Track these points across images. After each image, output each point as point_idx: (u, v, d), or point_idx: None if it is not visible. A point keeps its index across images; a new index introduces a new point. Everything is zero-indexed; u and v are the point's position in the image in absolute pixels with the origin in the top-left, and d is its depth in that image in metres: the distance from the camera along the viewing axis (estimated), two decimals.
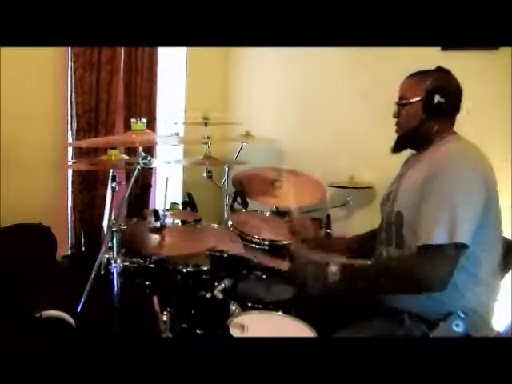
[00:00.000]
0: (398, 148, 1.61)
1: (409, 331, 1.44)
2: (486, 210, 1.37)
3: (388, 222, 1.57)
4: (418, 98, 1.51)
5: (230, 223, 2.40)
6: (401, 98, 1.57)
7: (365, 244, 1.78)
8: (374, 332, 1.48)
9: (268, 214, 2.65)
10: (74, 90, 2.71)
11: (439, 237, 1.31)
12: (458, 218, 1.31)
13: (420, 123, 1.52)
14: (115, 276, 1.66)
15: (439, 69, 1.55)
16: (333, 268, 1.47)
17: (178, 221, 2.49)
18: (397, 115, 1.59)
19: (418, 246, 1.36)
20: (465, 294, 1.41)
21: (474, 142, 1.51)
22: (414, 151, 1.62)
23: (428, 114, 1.50)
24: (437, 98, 1.48)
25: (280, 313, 1.77)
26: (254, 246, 2.26)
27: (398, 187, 1.58)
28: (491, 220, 1.41)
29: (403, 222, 1.48)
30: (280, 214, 2.74)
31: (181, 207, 2.45)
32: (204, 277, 2.02)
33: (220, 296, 1.76)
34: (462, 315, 1.38)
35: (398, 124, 1.60)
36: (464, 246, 1.32)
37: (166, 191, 2.09)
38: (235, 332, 1.55)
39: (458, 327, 1.38)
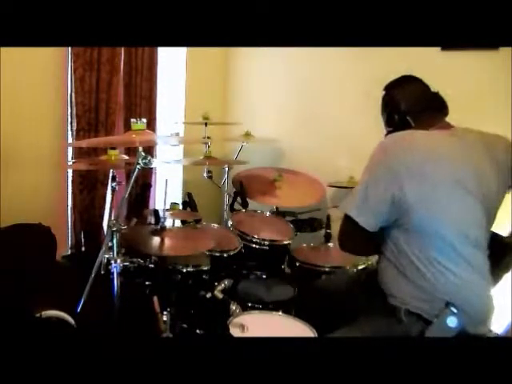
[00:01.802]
0: None
1: (406, 328, 1.44)
2: (407, 199, 1.37)
3: None
4: (384, 118, 1.65)
5: (230, 223, 2.40)
6: None
7: None
8: (372, 330, 1.48)
9: (268, 214, 2.65)
10: (74, 90, 2.70)
11: (346, 207, 1.45)
12: (357, 192, 1.44)
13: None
14: (115, 276, 1.66)
15: (387, 88, 1.65)
16: None
17: (178, 221, 2.49)
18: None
19: None
20: (459, 289, 1.40)
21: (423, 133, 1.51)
22: None
23: (393, 127, 1.59)
24: (394, 114, 1.59)
25: (280, 313, 1.77)
26: (254, 245, 2.26)
27: None
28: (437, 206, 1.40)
29: None
30: (280, 213, 2.74)
31: (181, 207, 2.45)
32: (204, 277, 2.03)
33: (220, 296, 1.76)
34: (454, 310, 1.38)
35: None
36: (355, 224, 1.43)
37: (166, 193, 2.09)
38: (235, 332, 1.55)
39: (452, 323, 1.38)
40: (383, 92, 1.65)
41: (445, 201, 1.40)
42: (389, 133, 1.64)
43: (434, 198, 1.39)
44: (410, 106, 1.57)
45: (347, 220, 1.46)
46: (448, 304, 1.39)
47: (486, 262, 1.48)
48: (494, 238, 1.52)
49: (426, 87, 1.60)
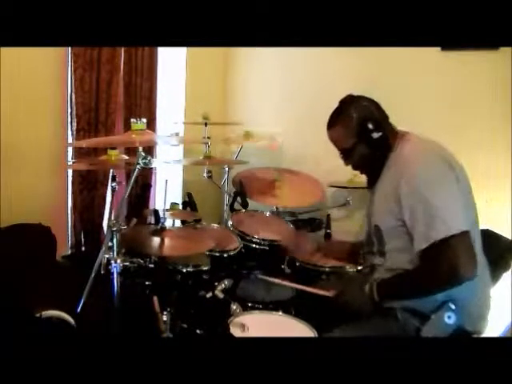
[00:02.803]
0: (372, 184, 1.62)
1: (402, 325, 1.45)
2: (461, 192, 1.39)
3: (369, 235, 1.62)
4: (353, 143, 1.52)
5: (230, 223, 2.40)
6: (341, 151, 1.58)
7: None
8: (368, 327, 1.48)
9: (268, 214, 2.65)
10: (74, 90, 2.70)
11: (434, 234, 1.33)
12: (444, 210, 1.34)
13: (372, 155, 1.54)
14: (115, 276, 1.66)
15: (344, 101, 1.57)
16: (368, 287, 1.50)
17: (178, 221, 2.49)
18: (349, 163, 1.60)
19: (422, 251, 1.37)
20: (459, 288, 1.40)
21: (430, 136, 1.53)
22: None
23: (372, 145, 1.52)
24: (370, 127, 1.50)
25: (280, 313, 1.77)
26: (254, 245, 2.26)
27: (371, 202, 1.61)
28: (468, 203, 1.43)
29: (382, 235, 1.51)
30: (280, 213, 2.74)
31: (181, 207, 2.45)
32: (204, 277, 2.03)
33: (221, 296, 1.76)
34: (453, 307, 1.38)
35: (356, 168, 1.62)
36: (464, 232, 1.33)
37: (166, 194, 2.09)
38: (236, 331, 1.55)
39: (450, 319, 1.38)
40: (343, 104, 1.58)
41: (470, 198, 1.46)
42: (352, 149, 1.55)
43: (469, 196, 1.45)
44: (380, 113, 1.55)
45: (457, 240, 1.32)
46: (446, 302, 1.39)
47: (486, 263, 1.49)
48: (494, 238, 1.53)
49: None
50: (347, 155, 1.58)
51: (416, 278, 1.43)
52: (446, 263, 1.32)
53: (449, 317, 1.38)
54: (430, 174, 1.39)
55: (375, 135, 1.50)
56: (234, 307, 1.68)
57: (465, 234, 1.33)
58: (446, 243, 1.32)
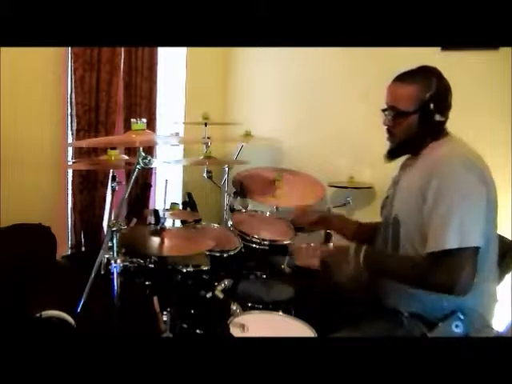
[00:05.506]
0: (392, 157, 1.57)
1: (408, 331, 1.44)
2: (488, 208, 1.36)
3: (386, 226, 1.57)
4: (413, 110, 1.45)
5: (230, 223, 2.40)
6: (393, 108, 1.49)
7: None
8: (374, 332, 1.48)
9: (268, 213, 2.65)
10: (74, 90, 2.71)
11: (448, 242, 1.30)
12: (465, 222, 1.31)
13: (416, 133, 1.48)
14: (115, 276, 1.66)
15: (426, 70, 1.48)
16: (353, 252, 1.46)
17: (178, 221, 2.49)
18: (389, 124, 1.52)
19: (429, 253, 1.34)
20: (467, 297, 1.40)
21: (466, 142, 1.49)
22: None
23: (425, 125, 1.47)
24: (432, 108, 1.44)
25: (280, 313, 1.77)
26: (254, 245, 2.26)
27: (394, 192, 1.57)
28: (491, 218, 1.40)
29: (400, 227, 1.47)
30: (280, 213, 2.74)
31: (181, 207, 2.45)
32: (204, 277, 2.03)
33: (221, 296, 1.76)
34: (461, 316, 1.38)
35: (390, 133, 1.54)
36: (477, 248, 1.31)
37: (166, 194, 2.09)
38: (236, 332, 1.55)
39: (458, 328, 1.37)
40: (426, 69, 1.47)
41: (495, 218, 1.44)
42: (406, 114, 1.46)
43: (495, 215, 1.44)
44: (446, 96, 1.47)
45: (469, 253, 1.30)
46: (455, 311, 1.38)
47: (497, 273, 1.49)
48: None
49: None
50: (395, 116, 1.49)
51: (410, 268, 1.40)
52: (446, 273, 1.30)
53: (456, 326, 1.37)
54: (459, 182, 1.35)
55: (437, 117, 1.45)
56: (234, 307, 1.69)
57: (475, 251, 1.31)
58: (454, 254, 1.30)
